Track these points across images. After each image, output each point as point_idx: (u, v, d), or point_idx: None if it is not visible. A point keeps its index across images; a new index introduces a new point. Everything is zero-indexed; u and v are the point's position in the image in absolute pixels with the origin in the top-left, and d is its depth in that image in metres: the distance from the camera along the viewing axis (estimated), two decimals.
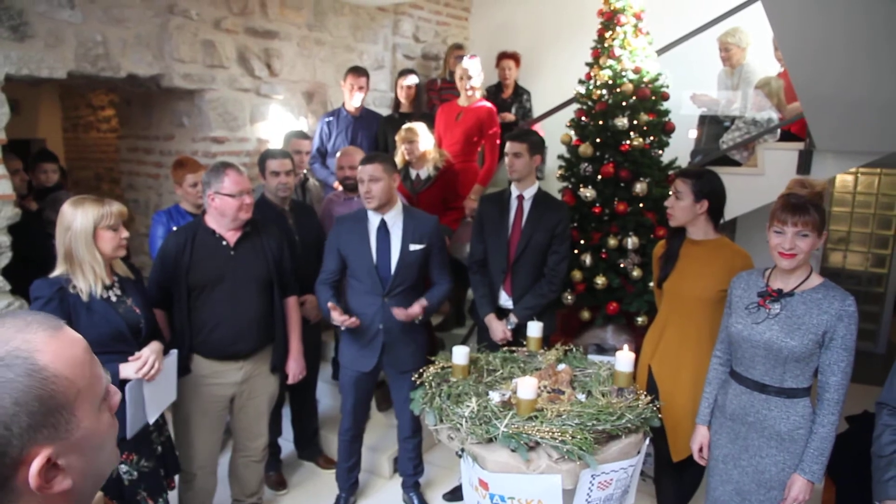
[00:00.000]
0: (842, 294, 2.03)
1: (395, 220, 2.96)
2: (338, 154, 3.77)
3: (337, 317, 2.84)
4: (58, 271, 2.24)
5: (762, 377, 2.14)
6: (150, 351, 2.35)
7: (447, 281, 3.09)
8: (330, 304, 2.85)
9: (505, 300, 3.27)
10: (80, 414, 0.77)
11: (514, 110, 5.21)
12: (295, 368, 2.99)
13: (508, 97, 5.26)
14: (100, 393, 0.81)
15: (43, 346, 0.75)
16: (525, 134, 3.24)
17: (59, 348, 0.76)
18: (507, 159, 3.17)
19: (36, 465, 0.72)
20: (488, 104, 4.42)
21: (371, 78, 4.63)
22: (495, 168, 4.44)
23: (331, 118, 4.46)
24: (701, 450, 2.39)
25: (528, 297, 3.18)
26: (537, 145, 3.19)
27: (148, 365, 2.31)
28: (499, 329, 3.18)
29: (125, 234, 2.30)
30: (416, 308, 2.88)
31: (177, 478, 2.72)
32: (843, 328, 2.00)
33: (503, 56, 5.21)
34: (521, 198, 3.21)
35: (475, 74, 4.30)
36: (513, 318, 3.17)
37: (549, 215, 3.16)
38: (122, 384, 2.24)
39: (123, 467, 2.34)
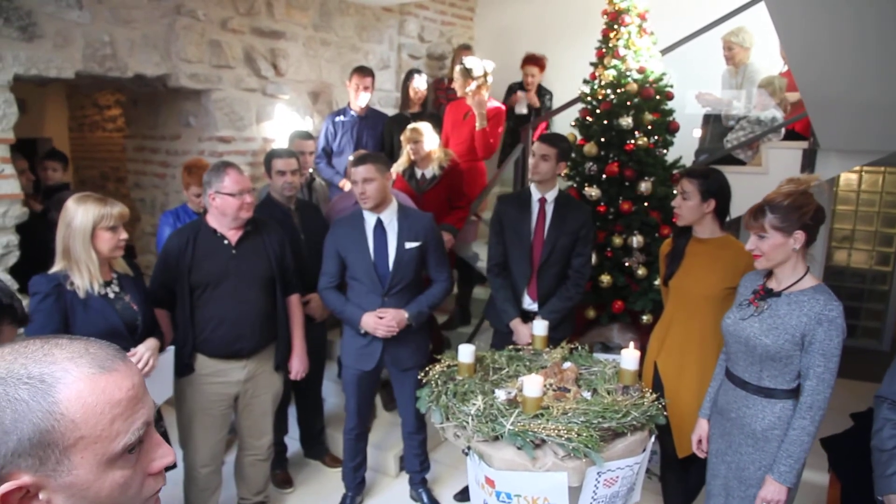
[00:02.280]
0: (826, 298, 1.98)
1: (390, 218, 2.97)
2: (349, 161, 3.78)
3: (375, 321, 2.89)
4: (56, 267, 2.25)
5: (742, 374, 2.17)
6: (146, 348, 2.38)
7: (446, 279, 3.09)
8: (378, 312, 2.91)
9: (529, 304, 3.22)
10: (76, 460, 0.74)
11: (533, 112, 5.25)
12: (298, 366, 3.02)
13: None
14: (112, 449, 0.76)
15: (72, 381, 0.74)
16: (557, 139, 3.15)
17: (86, 390, 0.74)
18: (532, 160, 3.12)
19: (5, 487, 0.71)
20: (497, 104, 4.43)
21: (376, 78, 4.64)
22: (490, 151, 4.42)
23: (336, 118, 4.47)
24: (700, 443, 2.41)
25: (555, 300, 3.14)
26: (566, 153, 3.14)
27: (143, 362, 2.35)
28: (525, 334, 3.09)
29: (124, 235, 2.31)
30: (392, 311, 2.90)
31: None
32: (823, 333, 1.95)
33: (528, 61, 5.17)
34: (542, 201, 3.16)
35: (473, 65, 4.24)
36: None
37: (572, 218, 3.11)
38: None
39: None
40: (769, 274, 2.19)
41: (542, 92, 5.30)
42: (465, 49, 5.39)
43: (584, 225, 3.13)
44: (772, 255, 2.04)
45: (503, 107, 4.49)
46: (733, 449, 2.21)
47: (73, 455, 0.73)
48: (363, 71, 4.40)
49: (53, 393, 0.72)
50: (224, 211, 2.69)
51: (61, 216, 2.25)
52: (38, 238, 3.25)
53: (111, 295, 2.34)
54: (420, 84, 4.75)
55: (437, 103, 5.15)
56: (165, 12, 3.70)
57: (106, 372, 0.77)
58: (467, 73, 4.26)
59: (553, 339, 2.82)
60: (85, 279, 2.25)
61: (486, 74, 4.27)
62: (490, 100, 4.43)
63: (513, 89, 5.37)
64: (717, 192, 2.56)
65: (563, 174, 3.84)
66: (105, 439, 0.75)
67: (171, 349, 2.60)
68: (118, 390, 0.77)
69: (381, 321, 2.89)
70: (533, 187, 3.19)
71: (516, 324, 3.15)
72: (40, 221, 3.50)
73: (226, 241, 2.74)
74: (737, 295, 2.29)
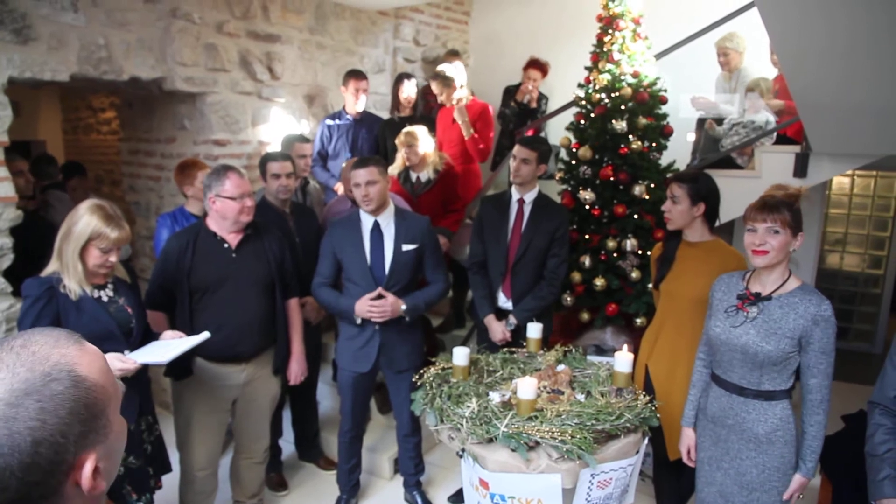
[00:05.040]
0: (818, 298, 2.04)
1: (387, 221, 3.00)
2: (343, 165, 3.79)
3: (368, 301, 2.88)
4: (50, 268, 2.25)
5: (740, 380, 2.16)
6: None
7: (442, 281, 3.11)
8: (375, 293, 2.89)
9: (503, 302, 3.30)
10: (112, 418, 0.83)
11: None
12: (296, 370, 3.01)
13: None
14: (119, 397, 0.86)
15: (78, 358, 0.80)
16: (537, 142, 3.25)
17: (91, 359, 0.82)
18: (513, 163, 3.20)
19: (88, 467, 0.77)
20: (482, 102, 4.46)
21: (372, 81, 4.66)
22: (487, 149, 4.47)
23: (331, 121, 4.49)
24: (689, 452, 2.42)
25: (528, 300, 3.20)
26: (546, 155, 3.22)
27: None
28: (498, 330, 3.21)
29: (113, 258, 2.29)
30: (391, 298, 2.89)
31: (165, 478, 2.70)
32: (820, 332, 2.01)
33: (531, 65, 5.17)
34: (521, 201, 3.24)
35: (439, 92, 4.40)
36: (512, 320, 3.20)
37: (549, 219, 3.19)
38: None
39: None
40: (745, 278, 2.20)
41: (539, 96, 5.32)
42: (454, 55, 5.39)
43: (560, 226, 3.20)
44: (780, 252, 2.06)
45: (488, 105, 4.51)
46: (731, 455, 2.21)
47: (110, 413, 0.82)
48: (359, 75, 4.42)
49: (77, 372, 0.78)
50: (224, 214, 2.69)
51: (69, 216, 2.25)
52: (32, 239, 3.24)
53: (105, 298, 2.33)
54: (409, 89, 4.77)
55: (429, 108, 5.16)
56: (161, 15, 3.70)
57: (83, 342, 0.84)
58: (446, 82, 4.31)
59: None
60: (73, 282, 2.24)
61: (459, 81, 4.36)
62: (473, 100, 4.46)
63: (509, 92, 5.38)
64: (707, 195, 2.58)
65: (559, 177, 3.90)
66: (117, 391, 0.86)
67: (205, 335, 2.48)
68: (99, 351, 0.86)
69: (377, 303, 2.88)
70: (513, 189, 3.27)
71: (490, 320, 3.25)
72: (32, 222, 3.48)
73: (226, 245, 2.74)
74: (713, 300, 2.29)
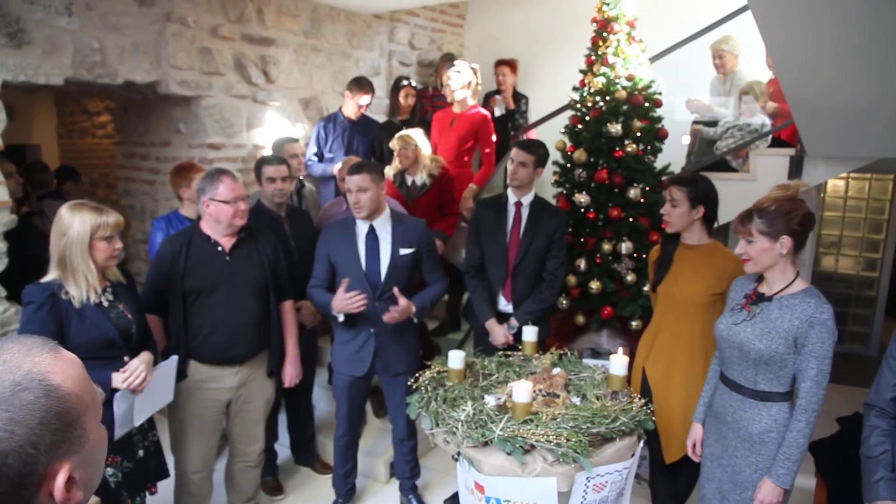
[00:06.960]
0: (817, 301, 2.03)
1: (383, 225, 2.98)
2: (338, 166, 3.79)
3: (344, 295, 2.81)
4: (50, 276, 2.23)
5: (738, 378, 2.19)
6: (140, 361, 2.34)
7: (440, 281, 3.12)
8: (344, 285, 2.82)
9: (504, 305, 3.29)
10: (88, 427, 0.81)
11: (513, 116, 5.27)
12: (291, 372, 3.00)
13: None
14: (99, 405, 0.85)
15: (51, 366, 0.78)
16: (535, 146, 3.25)
17: (66, 367, 0.80)
18: (510, 166, 3.20)
19: (61, 478, 0.75)
20: (483, 111, 4.47)
21: None
22: (492, 171, 4.49)
23: (327, 123, 4.48)
24: (694, 447, 2.43)
25: (529, 302, 3.20)
26: (543, 159, 3.23)
27: (135, 376, 2.30)
28: (500, 333, 3.20)
29: (118, 245, 2.29)
30: (403, 302, 2.85)
31: (161, 484, 2.68)
32: (815, 335, 2.00)
33: (499, 63, 5.27)
34: (518, 204, 3.23)
35: (455, 84, 4.40)
36: (514, 323, 3.20)
37: (547, 222, 3.19)
38: (113, 391, 2.26)
39: (109, 470, 2.34)
40: (760, 279, 2.22)
41: (518, 97, 5.35)
42: (449, 59, 5.40)
43: (558, 229, 3.20)
44: (759, 259, 2.08)
45: (487, 112, 4.52)
46: (729, 452, 2.23)
47: (86, 423, 0.81)
48: (365, 88, 4.40)
49: (49, 382, 0.77)
50: (218, 218, 2.69)
51: (55, 225, 2.22)
52: (27, 243, 3.23)
53: (105, 303, 2.31)
54: (409, 92, 4.78)
55: (423, 111, 5.17)
56: (155, 19, 3.70)
57: (58, 350, 0.82)
58: (447, 82, 4.37)
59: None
60: (82, 288, 2.22)
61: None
62: (475, 107, 4.47)
63: (488, 97, 5.39)
64: (706, 198, 2.59)
65: (554, 180, 3.90)
66: (95, 399, 0.84)
67: (174, 359, 2.57)
68: (76, 359, 0.84)
69: (391, 310, 2.84)
70: (510, 192, 3.26)
71: (491, 324, 3.24)
72: (25, 227, 3.46)
73: (219, 248, 2.74)
74: (728, 300, 2.32)
